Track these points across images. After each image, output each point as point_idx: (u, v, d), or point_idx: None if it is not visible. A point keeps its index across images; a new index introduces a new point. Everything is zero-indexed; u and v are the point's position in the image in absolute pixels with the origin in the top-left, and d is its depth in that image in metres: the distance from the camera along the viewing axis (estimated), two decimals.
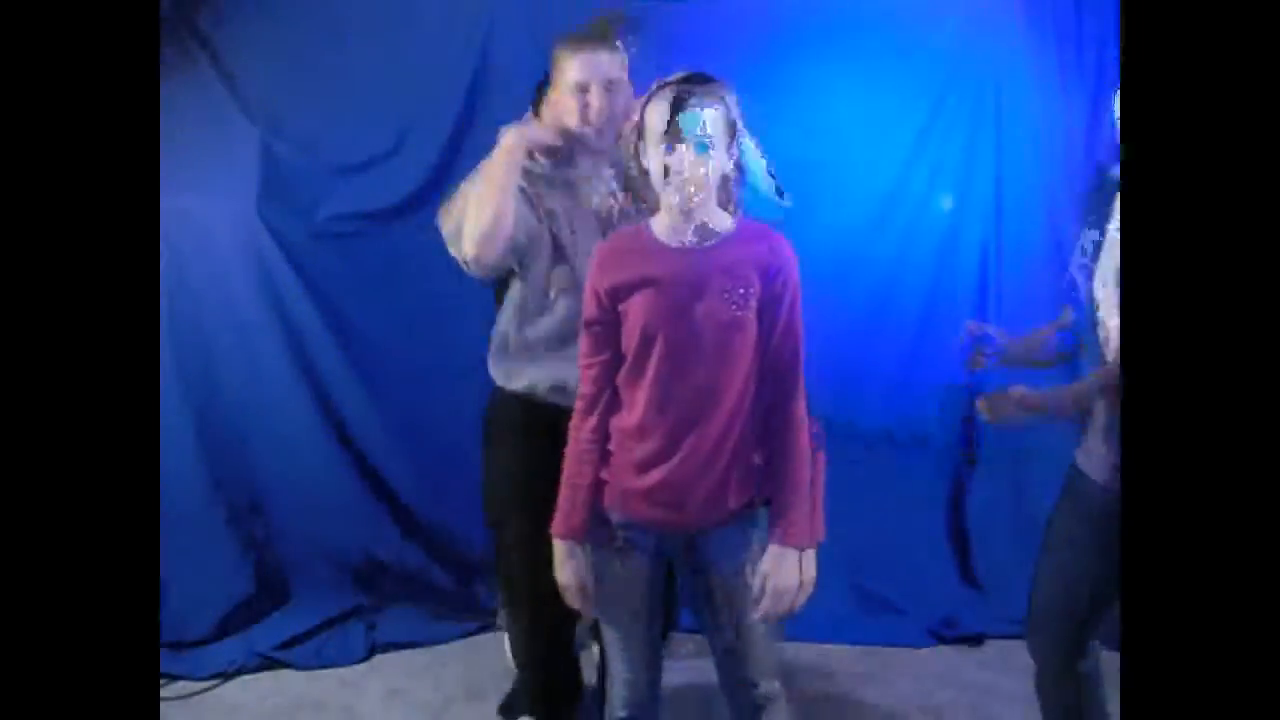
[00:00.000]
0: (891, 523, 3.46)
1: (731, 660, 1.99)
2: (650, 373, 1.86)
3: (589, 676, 2.76)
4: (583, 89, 2.20)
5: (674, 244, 1.86)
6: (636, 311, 1.85)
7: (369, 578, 3.41)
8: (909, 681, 3.04)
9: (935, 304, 3.51)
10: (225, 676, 3.03)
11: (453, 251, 2.28)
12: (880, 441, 3.45)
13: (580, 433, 1.94)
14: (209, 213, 3.34)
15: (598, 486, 1.94)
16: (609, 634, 2.04)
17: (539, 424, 2.27)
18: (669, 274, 1.84)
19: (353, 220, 3.40)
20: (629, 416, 1.90)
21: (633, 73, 2.24)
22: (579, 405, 1.95)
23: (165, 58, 3.09)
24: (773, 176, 2.12)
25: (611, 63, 2.20)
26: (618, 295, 1.87)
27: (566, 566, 1.96)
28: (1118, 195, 1.95)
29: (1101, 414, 2.00)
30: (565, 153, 2.29)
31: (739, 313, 1.82)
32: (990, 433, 3.49)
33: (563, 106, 2.24)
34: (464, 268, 2.27)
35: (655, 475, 1.87)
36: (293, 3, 3.36)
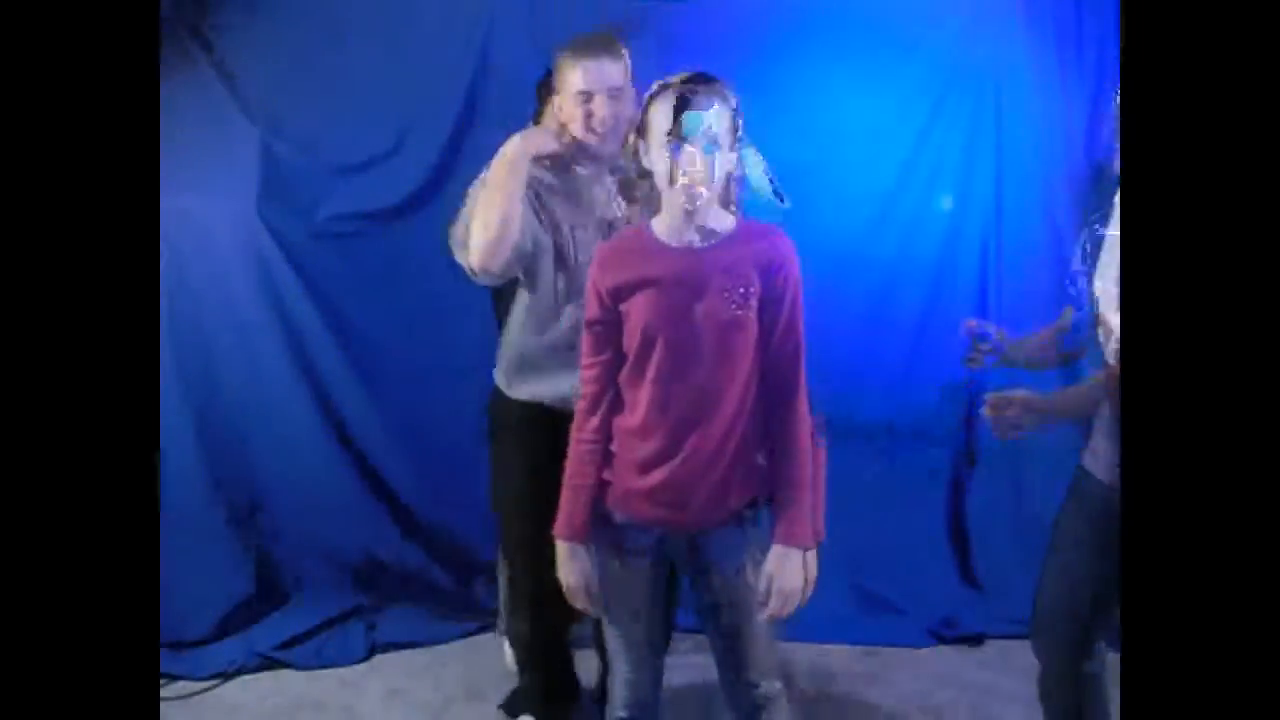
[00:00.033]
0: (891, 522, 3.46)
1: (733, 660, 1.99)
2: (651, 372, 1.86)
3: (590, 677, 2.77)
4: (586, 97, 2.20)
5: (675, 244, 1.87)
6: (637, 311, 1.85)
7: (369, 578, 3.41)
8: (909, 681, 3.04)
9: (935, 304, 3.51)
10: (225, 676, 3.03)
11: (459, 259, 2.28)
12: (880, 439, 3.45)
13: (582, 433, 1.94)
14: (209, 213, 3.34)
15: (600, 487, 1.94)
16: (611, 634, 2.04)
17: (541, 425, 2.27)
18: (670, 274, 1.84)
19: (353, 220, 3.40)
20: (631, 416, 1.90)
21: (633, 73, 2.25)
22: (581, 405, 1.95)
23: (165, 58, 3.09)
24: (771, 180, 2.12)
25: (615, 70, 2.20)
26: (619, 295, 1.87)
27: (569, 567, 1.96)
28: (1117, 194, 1.95)
29: (1107, 413, 2.00)
30: (569, 159, 2.29)
31: (740, 312, 1.82)
32: (989, 431, 3.49)
33: (566, 114, 2.24)
34: (470, 275, 2.27)
35: (657, 475, 1.87)
36: (293, 3, 3.36)
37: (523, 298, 2.37)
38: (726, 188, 1.87)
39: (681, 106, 1.77)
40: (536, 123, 2.45)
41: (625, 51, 2.23)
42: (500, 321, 2.65)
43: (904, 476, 3.51)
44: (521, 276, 2.31)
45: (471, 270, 2.24)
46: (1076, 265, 2.04)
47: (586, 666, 2.77)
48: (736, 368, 1.84)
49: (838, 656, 3.15)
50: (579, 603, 1.99)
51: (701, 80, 1.81)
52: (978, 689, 2.99)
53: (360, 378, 3.45)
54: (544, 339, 2.33)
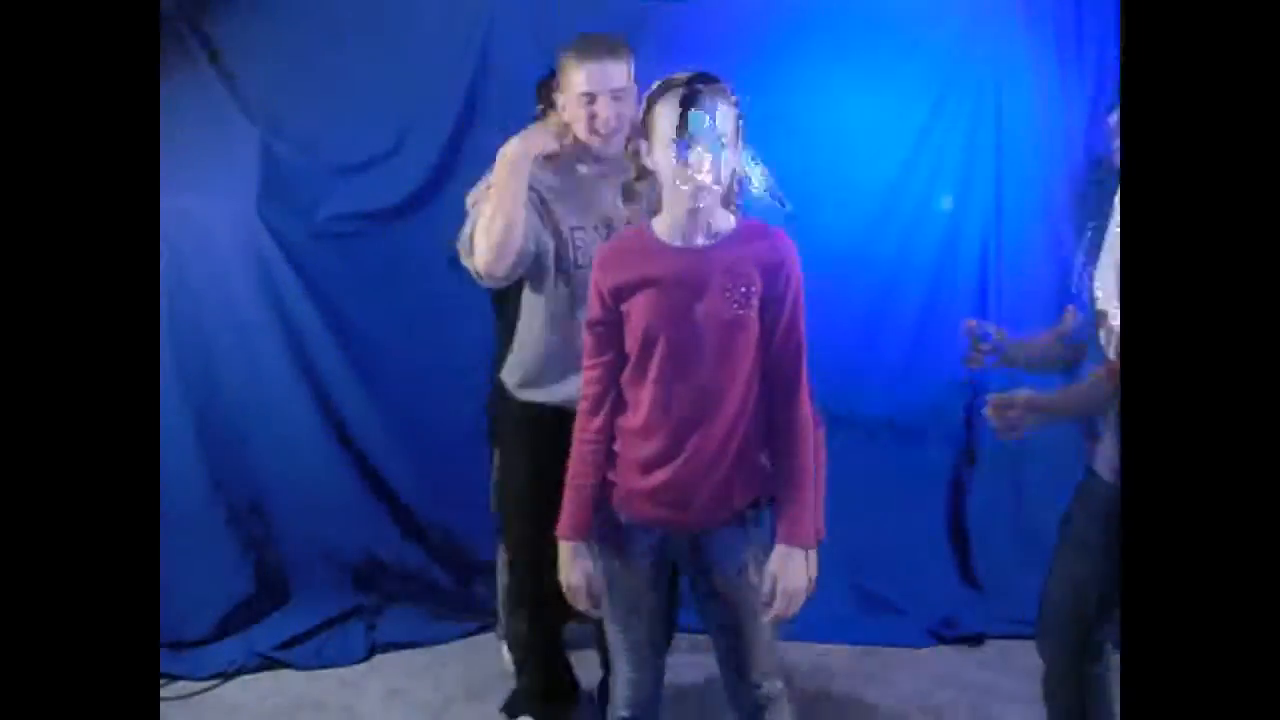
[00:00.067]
0: (891, 522, 3.45)
1: (735, 660, 1.99)
2: (653, 373, 1.86)
3: (591, 677, 2.77)
4: (590, 98, 2.20)
5: (676, 243, 1.86)
6: (639, 311, 1.85)
7: (369, 578, 3.41)
8: (909, 681, 3.04)
9: (935, 303, 3.51)
10: (225, 676, 3.03)
11: (465, 263, 2.29)
12: (880, 438, 3.45)
13: (585, 433, 1.94)
14: (209, 213, 3.34)
15: (603, 487, 1.94)
16: (612, 634, 2.04)
17: (544, 425, 2.27)
18: (671, 274, 1.84)
19: (353, 220, 3.40)
20: (633, 417, 1.90)
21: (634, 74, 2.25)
22: (583, 405, 1.95)
23: (165, 58, 3.09)
24: (769, 188, 2.12)
25: (618, 71, 2.20)
26: (620, 295, 1.87)
27: (571, 567, 1.96)
28: (1117, 192, 1.95)
29: (1113, 412, 1.99)
30: (572, 160, 2.29)
31: (741, 311, 1.82)
32: (989, 431, 3.49)
33: (570, 114, 2.25)
34: (476, 279, 2.27)
35: (660, 475, 1.88)
36: (293, 3, 3.36)
37: (529, 298, 2.37)
38: (728, 188, 1.87)
39: (688, 106, 1.76)
40: (542, 118, 2.44)
41: (629, 52, 2.23)
42: (501, 321, 2.65)
43: (904, 476, 3.51)
44: (528, 279, 2.32)
45: (478, 274, 2.25)
46: (1079, 265, 2.04)
47: (587, 667, 2.77)
48: (738, 367, 1.84)
49: (838, 656, 3.15)
50: (580, 603, 1.99)
51: (705, 80, 1.81)
52: (978, 689, 2.99)
53: (360, 378, 3.45)
54: (549, 340, 2.33)
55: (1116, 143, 1.88)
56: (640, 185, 1.91)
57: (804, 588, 1.89)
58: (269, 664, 3.09)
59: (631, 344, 1.88)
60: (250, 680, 3.04)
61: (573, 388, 2.05)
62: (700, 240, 1.86)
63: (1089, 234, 2.03)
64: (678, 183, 1.79)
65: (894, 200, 3.51)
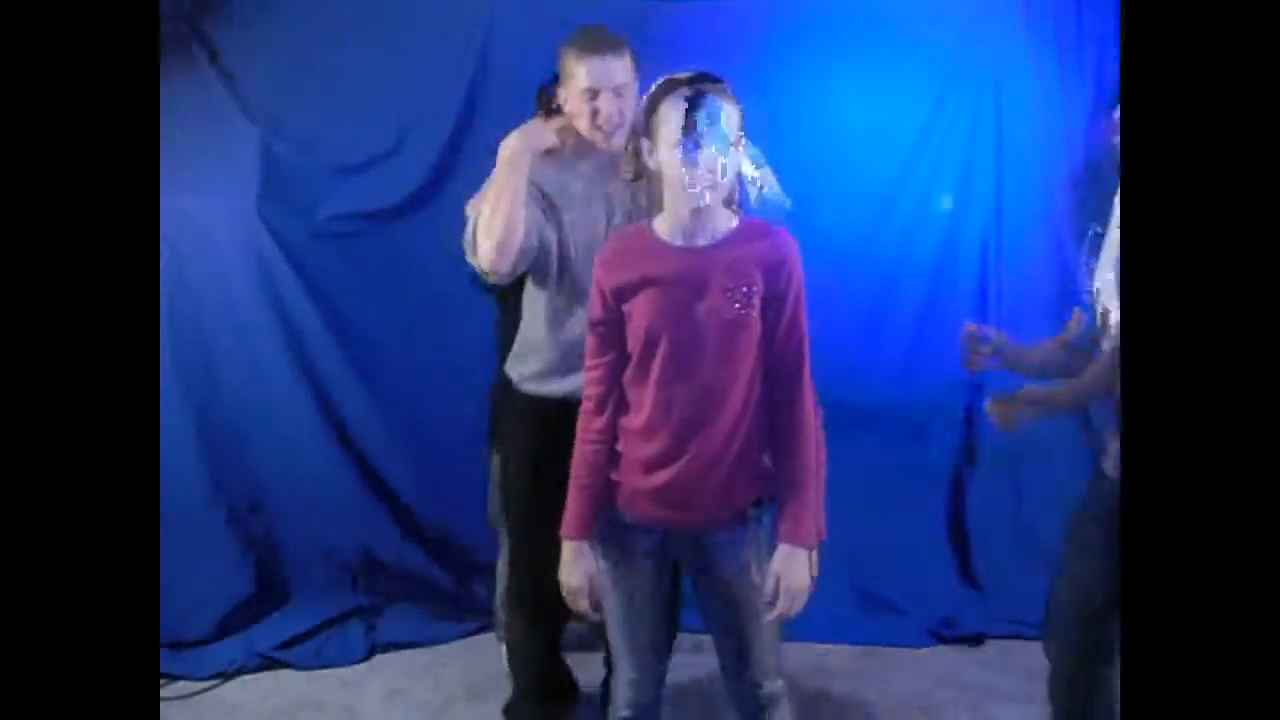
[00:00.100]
0: (891, 522, 3.45)
1: (737, 661, 1.99)
2: (655, 373, 1.86)
3: (590, 678, 2.77)
4: (592, 94, 2.20)
5: (677, 243, 1.86)
6: (640, 312, 1.85)
7: (369, 578, 3.41)
8: (909, 681, 3.04)
9: (935, 303, 3.51)
10: (225, 676, 3.03)
11: (470, 260, 2.30)
12: (880, 438, 3.45)
13: (587, 434, 1.94)
14: (209, 213, 3.34)
15: (606, 487, 1.94)
16: (614, 634, 2.04)
17: (549, 416, 2.27)
18: (672, 273, 1.84)
19: (353, 220, 3.40)
20: (636, 417, 1.89)
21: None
22: (586, 406, 1.95)
23: (165, 58, 3.09)
24: (759, 182, 2.12)
25: (619, 67, 2.20)
26: (621, 295, 1.87)
27: (573, 567, 1.96)
28: (1117, 192, 1.95)
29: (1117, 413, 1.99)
30: (573, 155, 2.29)
31: (743, 311, 1.82)
32: (990, 430, 3.49)
33: (572, 109, 2.25)
34: (481, 276, 2.28)
35: (662, 475, 1.87)
36: (293, 3, 3.36)
37: (531, 293, 2.37)
38: (730, 188, 1.87)
39: (695, 106, 1.76)
40: (545, 116, 2.44)
41: (629, 47, 2.24)
42: (504, 317, 2.65)
43: (904, 476, 3.51)
44: (532, 274, 2.32)
45: (482, 271, 2.26)
46: (1084, 267, 2.04)
47: (588, 667, 2.77)
48: (740, 367, 1.84)
49: (838, 656, 3.15)
50: (579, 606, 1.98)
51: (709, 80, 1.81)
52: (977, 689, 2.99)
53: (360, 378, 3.45)
54: (554, 335, 2.33)
55: (1116, 142, 1.88)
56: (640, 183, 1.90)
57: (806, 587, 1.89)
58: (269, 664, 3.09)
59: (633, 344, 1.87)
60: (250, 680, 3.04)
61: (577, 380, 2.05)
62: (701, 240, 1.86)
63: (1091, 236, 2.03)
64: (685, 183, 1.78)
65: (894, 200, 3.51)
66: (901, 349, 3.53)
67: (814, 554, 1.92)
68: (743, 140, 1.84)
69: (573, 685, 2.70)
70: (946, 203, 3.50)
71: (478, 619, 3.29)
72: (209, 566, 3.26)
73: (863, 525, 3.23)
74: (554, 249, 2.28)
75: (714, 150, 1.76)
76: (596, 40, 2.22)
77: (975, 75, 3.46)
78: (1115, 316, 1.94)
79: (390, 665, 3.14)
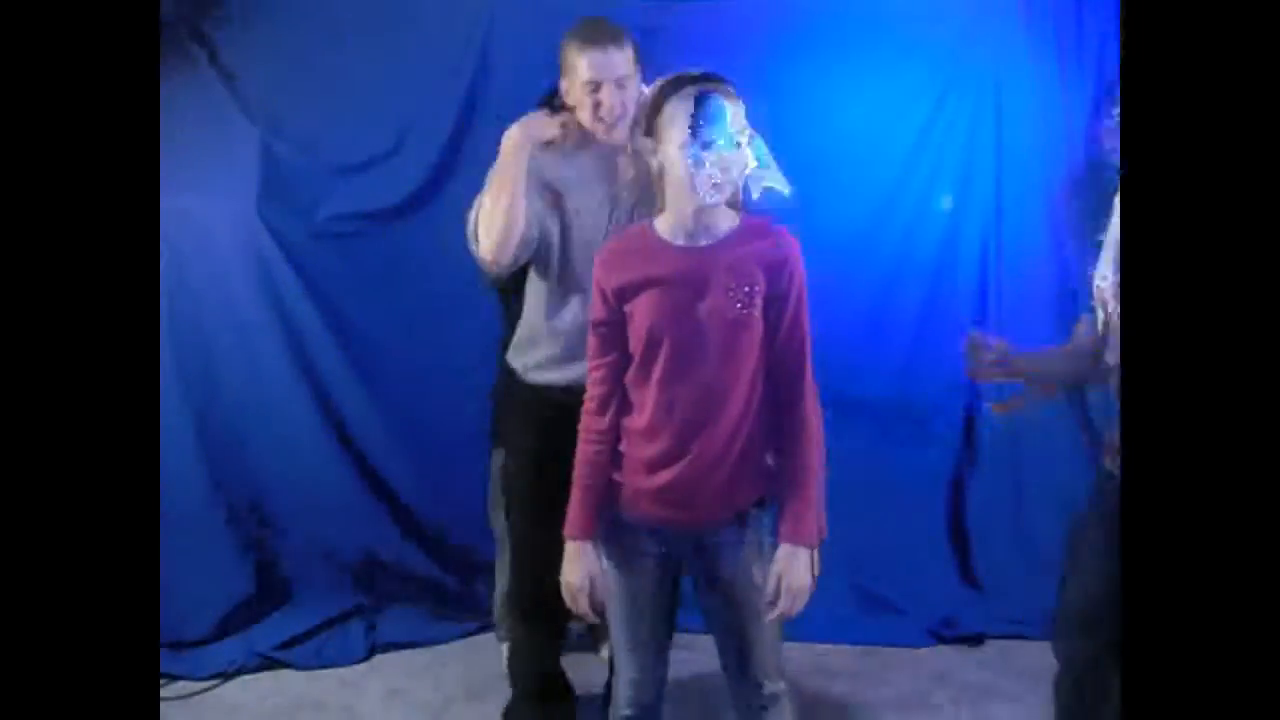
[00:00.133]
0: (891, 522, 3.45)
1: (738, 660, 1.99)
2: (657, 373, 1.86)
3: (590, 677, 2.77)
4: (594, 87, 2.21)
5: (679, 243, 1.86)
6: (642, 312, 1.85)
7: (369, 578, 3.41)
8: (909, 681, 3.04)
9: (935, 303, 3.51)
10: (225, 676, 3.03)
11: (472, 250, 2.30)
12: (880, 437, 3.45)
13: (590, 434, 1.94)
14: (209, 213, 3.34)
15: (608, 487, 1.94)
16: (616, 634, 2.04)
17: (552, 405, 2.27)
18: (674, 273, 1.84)
19: (353, 220, 3.40)
20: (638, 417, 1.89)
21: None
22: (588, 406, 1.95)
23: (165, 58, 3.09)
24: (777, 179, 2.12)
25: (621, 59, 2.21)
26: (623, 295, 1.87)
27: (575, 567, 1.95)
28: (1118, 193, 1.95)
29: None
30: (575, 146, 2.30)
31: (745, 311, 1.82)
32: (990, 430, 3.50)
33: (573, 101, 2.25)
34: (484, 266, 2.28)
35: (664, 476, 1.87)
36: (293, 3, 3.35)
37: (534, 283, 2.37)
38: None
39: (701, 106, 1.76)
40: (549, 109, 2.44)
41: (630, 39, 2.24)
42: (506, 308, 2.66)
43: (904, 476, 3.51)
44: (532, 263, 2.32)
45: (484, 262, 2.26)
46: (1086, 273, 2.03)
47: (589, 667, 2.77)
48: (742, 367, 1.84)
49: (838, 656, 3.15)
50: (579, 607, 1.98)
51: (712, 79, 1.81)
52: (977, 689, 2.98)
53: (360, 378, 3.45)
54: (555, 323, 2.33)
55: (1116, 142, 1.88)
56: (641, 182, 1.90)
57: (808, 586, 1.89)
58: (269, 664, 3.09)
59: (635, 344, 1.87)
60: (250, 680, 3.03)
61: (581, 368, 2.04)
62: (703, 239, 1.86)
63: (1093, 244, 2.03)
64: (692, 184, 1.78)
65: (894, 199, 3.51)
66: (902, 349, 3.53)
67: (815, 553, 1.92)
68: (749, 137, 1.83)
69: (569, 689, 2.70)
70: (946, 203, 3.50)
71: (478, 619, 3.29)
72: (209, 566, 3.26)
73: (863, 525, 3.23)
74: (555, 239, 2.29)
75: (721, 150, 1.76)
76: (598, 32, 2.22)
77: (975, 75, 3.46)
78: (1117, 318, 1.94)
79: (390, 665, 3.14)
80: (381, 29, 3.35)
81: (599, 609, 1.98)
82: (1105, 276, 1.98)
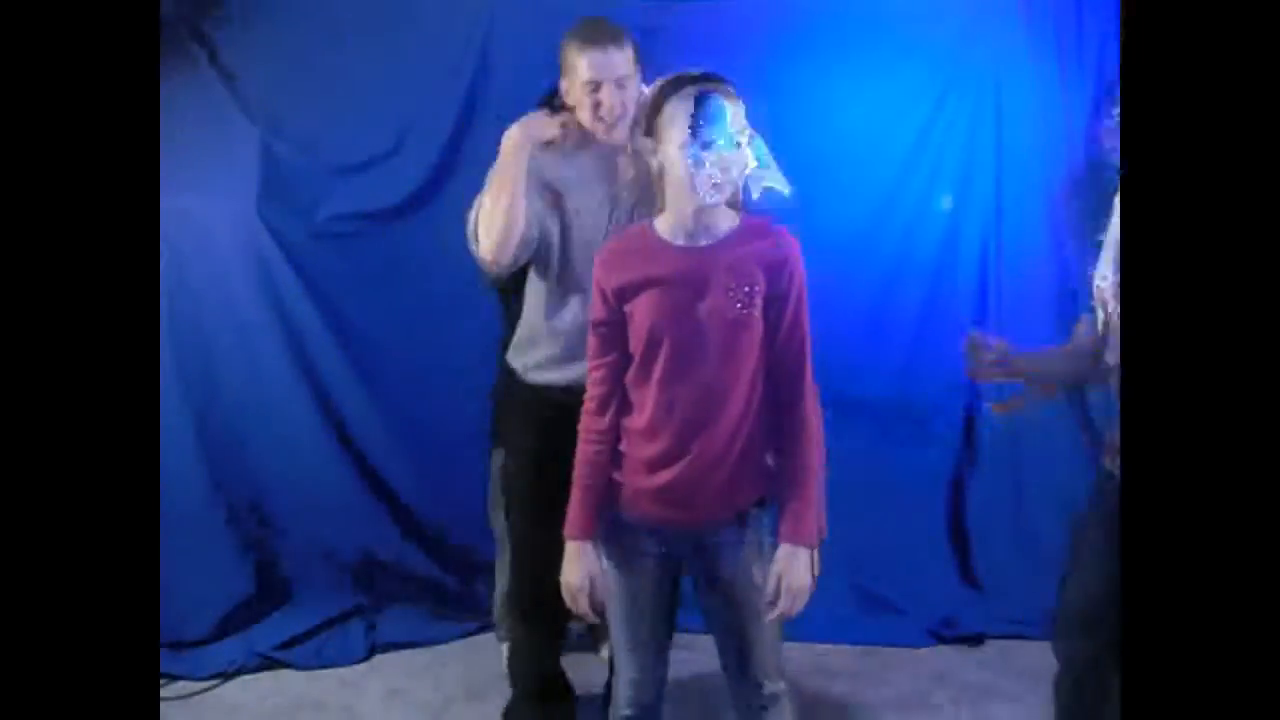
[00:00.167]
0: (891, 522, 3.45)
1: (738, 660, 1.99)
2: (657, 373, 1.86)
3: (590, 677, 2.77)
4: (594, 87, 2.21)
5: (679, 243, 1.86)
6: (642, 312, 1.85)
7: (369, 578, 3.41)
8: (909, 681, 3.04)
9: (935, 303, 3.51)
10: (225, 676, 3.03)
11: (472, 250, 2.30)
12: (880, 437, 3.45)
13: (590, 434, 1.94)
14: (209, 213, 3.34)
15: (609, 487, 1.94)
16: (616, 634, 2.04)
17: (552, 405, 2.27)
18: (674, 273, 1.84)
19: (353, 220, 3.40)
20: (638, 417, 1.89)
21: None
22: (588, 406, 1.95)
23: (165, 58, 3.09)
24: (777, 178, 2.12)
25: (621, 59, 2.21)
26: (623, 295, 1.87)
27: (575, 567, 1.95)
28: (1118, 193, 1.95)
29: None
30: (575, 145, 2.30)
31: (745, 311, 1.82)
32: (990, 430, 3.50)
33: (573, 100, 2.26)
34: (484, 266, 2.28)
35: (664, 476, 1.87)
36: (293, 3, 3.35)
37: (534, 283, 2.37)
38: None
39: (701, 106, 1.76)
40: (550, 109, 2.44)
41: (630, 38, 2.24)
42: (505, 308, 2.66)
43: (904, 476, 3.51)
44: (532, 263, 2.32)
45: (484, 262, 2.26)
46: (1086, 274, 2.03)
47: (589, 667, 2.77)
48: (742, 367, 1.84)
49: (838, 656, 3.15)
50: (579, 607, 1.98)
51: (713, 79, 1.81)
52: (977, 689, 2.98)
53: (360, 378, 3.45)
54: (555, 323, 2.33)
55: (1116, 142, 1.88)
56: (641, 182, 1.90)
57: (808, 586, 1.89)
58: (269, 664, 3.09)
59: (635, 344, 1.87)
60: (250, 680, 3.03)
61: (581, 367, 2.04)
62: (703, 239, 1.86)
63: (1093, 245, 2.03)
64: (693, 184, 1.78)
65: (894, 199, 3.51)
66: (901, 349, 3.53)
67: (815, 553, 1.92)
68: (749, 137, 1.83)
69: (568, 689, 2.70)
70: (946, 203, 3.50)
71: (478, 619, 3.29)
72: (209, 566, 3.26)
73: (863, 525, 3.23)
74: (555, 239, 2.29)
75: (721, 150, 1.76)
76: (598, 31, 2.22)
77: (975, 75, 3.46)
78: (1117, 318, 1.94)
79: (390, 665, 3.14)
80: (381, 29, 3.35)
81: (599, 609, 1.98)
82: (1105, 276, 1.98)
